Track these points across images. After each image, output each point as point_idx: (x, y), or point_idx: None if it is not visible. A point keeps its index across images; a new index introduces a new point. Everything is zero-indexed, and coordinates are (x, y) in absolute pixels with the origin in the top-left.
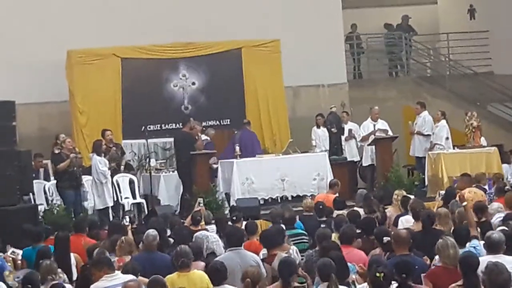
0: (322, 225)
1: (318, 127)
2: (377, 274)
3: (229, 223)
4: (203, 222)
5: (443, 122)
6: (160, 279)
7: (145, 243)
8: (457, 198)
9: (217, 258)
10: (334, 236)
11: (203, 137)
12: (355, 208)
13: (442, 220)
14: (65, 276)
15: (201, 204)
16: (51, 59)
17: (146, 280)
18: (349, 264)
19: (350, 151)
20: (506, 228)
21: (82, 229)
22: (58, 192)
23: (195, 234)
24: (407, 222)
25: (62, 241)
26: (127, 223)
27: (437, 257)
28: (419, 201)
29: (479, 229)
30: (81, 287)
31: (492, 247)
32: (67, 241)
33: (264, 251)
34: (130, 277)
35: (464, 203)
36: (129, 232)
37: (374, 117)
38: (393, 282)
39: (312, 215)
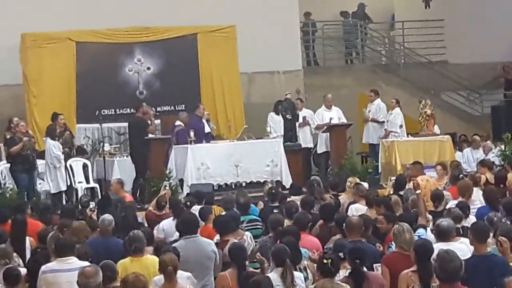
0: (275, 211)
1: (277, 113)
2: (325, 261)
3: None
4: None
5: (398, 109)
6: (109, 263)
7: (100, 228)
8: (411, 186)
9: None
10: (286, 223)
11: (177, 122)
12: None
13: (393, 207)
14: (20, 261)
15: (167, 188)
16: (4, 42)
17: None
18: (301, 249)
19: (304, 138)
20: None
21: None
22: (11, 175)
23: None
24: (356, 210)
25: (20, 225)
26: (93, 209)
27: None
28: (372, 189)
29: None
30: (33, 271)
31: (441, 235)
32: (24, 224)
33: (217, 237)
34: (86, 263)
35: (418, 191)
36: (94, 217)
37: (327, 104)
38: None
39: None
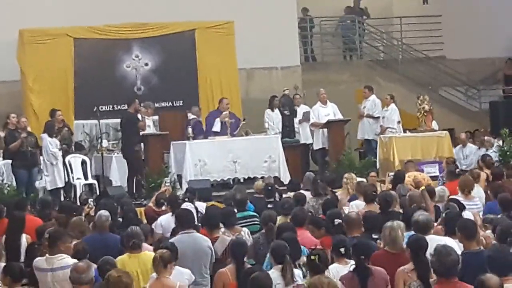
0: (269, 206)
1: (272, 109)
2: (312, 257)
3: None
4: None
5: (393, 105)
6: (110, 259)
7: (97, 224)
8: (409, 186)
9: (169, 241)
10: (280, 219)
11: (191, 116)
12: (302, 191)
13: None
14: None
15: (168, 184)
16: (2, 38)
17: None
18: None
19: (304, 134)
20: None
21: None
22: (12, 171)
23: (182, 205)
24: (357, 206)
25: (17, 221)
26: (91, 206)
27: None
28: (371, 185)
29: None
30: (30, 267)
31: (420, 229)
32: (22, 221)
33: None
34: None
35: (422, 188)
36: (92, 213)
37: (322, 99)
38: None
39: (262, 197)
